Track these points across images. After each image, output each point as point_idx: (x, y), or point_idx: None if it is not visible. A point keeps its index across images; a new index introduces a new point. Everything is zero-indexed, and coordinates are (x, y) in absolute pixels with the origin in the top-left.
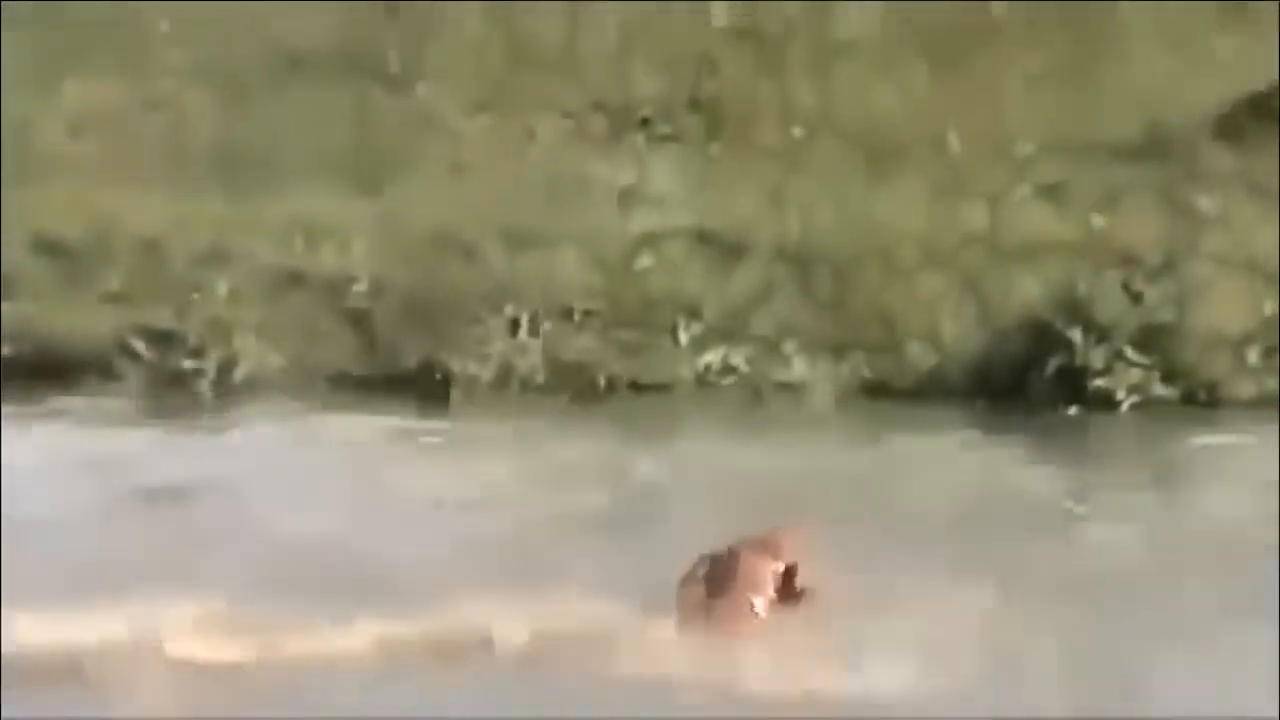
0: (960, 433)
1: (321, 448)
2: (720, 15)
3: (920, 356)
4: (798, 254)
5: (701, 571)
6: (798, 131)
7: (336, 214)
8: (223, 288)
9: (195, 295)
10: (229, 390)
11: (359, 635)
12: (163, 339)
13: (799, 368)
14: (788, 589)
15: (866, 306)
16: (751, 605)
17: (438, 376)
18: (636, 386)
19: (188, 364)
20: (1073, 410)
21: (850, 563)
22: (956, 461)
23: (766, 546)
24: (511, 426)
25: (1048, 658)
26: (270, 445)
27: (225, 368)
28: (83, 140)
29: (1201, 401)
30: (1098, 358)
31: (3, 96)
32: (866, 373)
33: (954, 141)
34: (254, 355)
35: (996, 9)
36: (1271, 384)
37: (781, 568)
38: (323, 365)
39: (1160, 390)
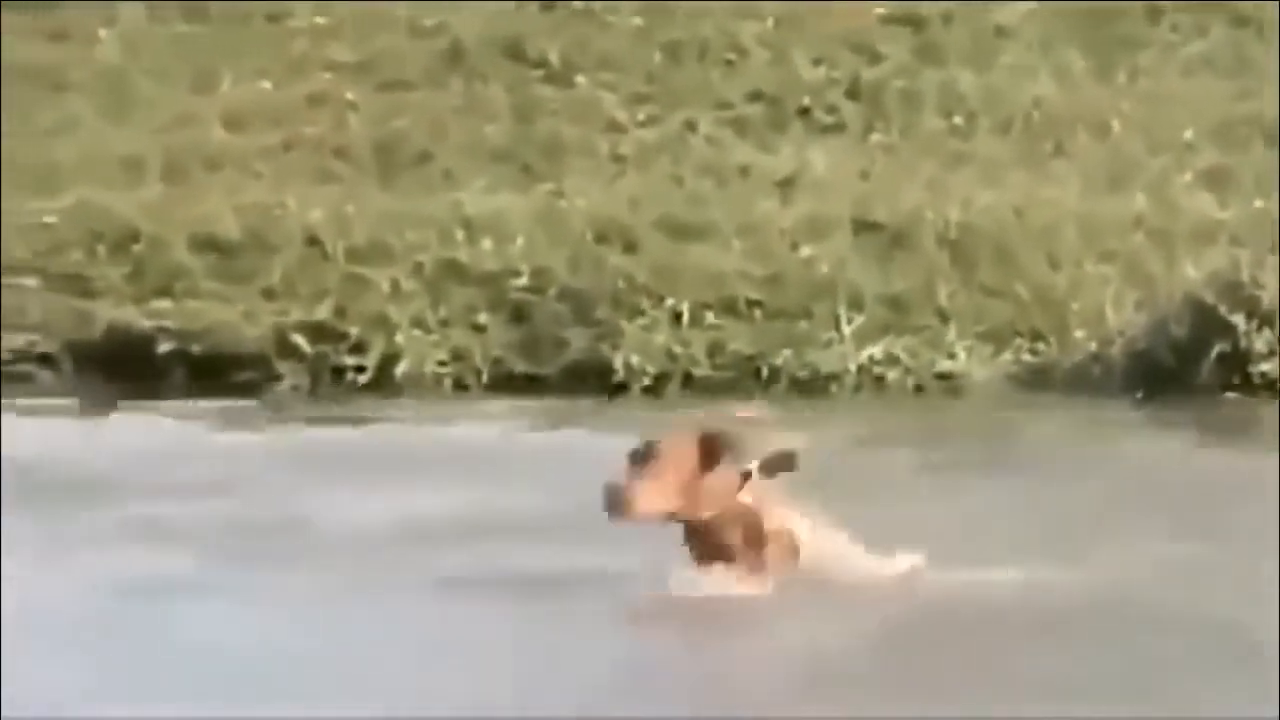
0: (1122, 417)
1: None
2: (880, 4)
3: (1082, 343)
4: (959, 242)
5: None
6: (958, 119)
7: (497, 207)
8: (383, 283)
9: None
10: (391, 386)
11: None
12: (323, 334)
13: (961, 357)
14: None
15: (1029, 294)
16: None
17: (599, 369)
18: (798, 378)
19: (349, 360)
20: (1234, 395)
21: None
22: (1117, 445)
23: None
24: None
25: None
26: None
27: (386, 363)
28: (241, 136)
29: None
30: (1261, 343)
31: (157, 93)
32: (1029, 359)
33: (1116, 127)
34: (415, 351)
35: None
36: None
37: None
38: (484, 359)
39: None
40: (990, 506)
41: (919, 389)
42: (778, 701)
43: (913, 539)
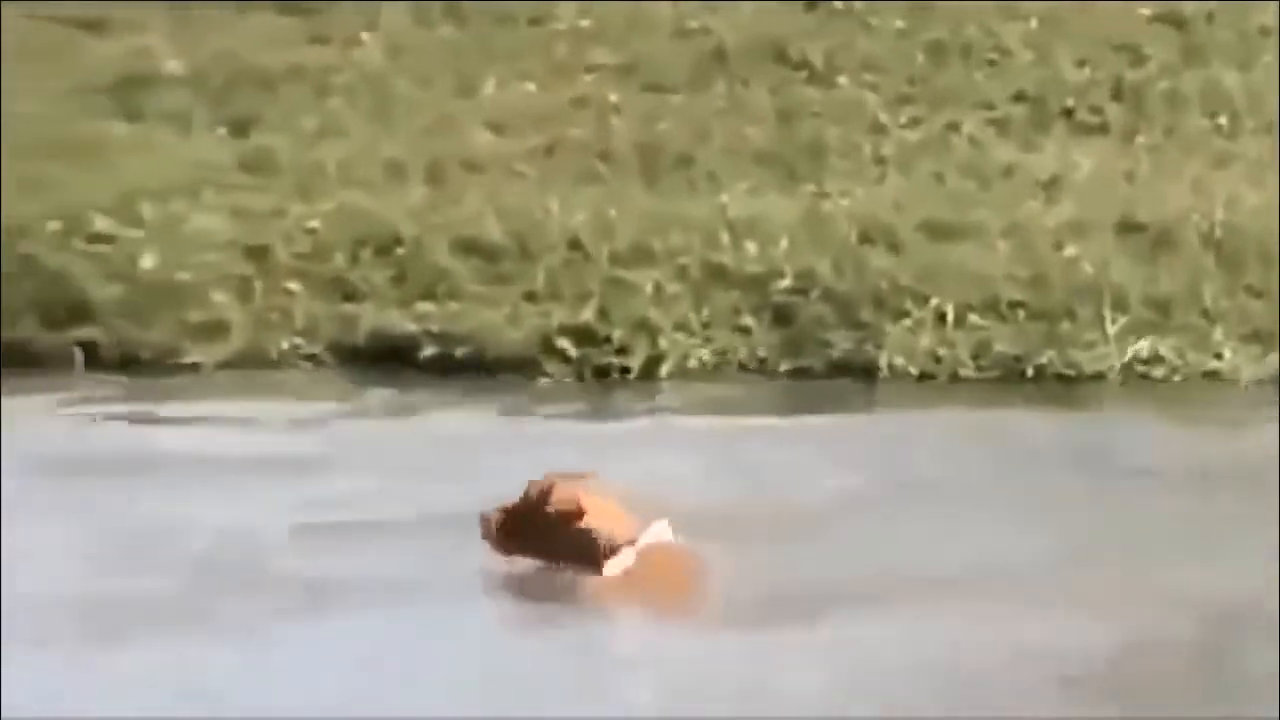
0: None
1: None
2: (1145, 4)
3: None
4: (1224, 242)
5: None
6: (1222, 119)
7: (760, 209)
8: (647, 285)
9: (619, 293)
10: (655, 387)
11: None
12: (587, 337)
13: (1227, 356)
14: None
15: None
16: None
17: (864, 370)
18: (1063, 377)
19: (613, 361)
20: None
21: None
22: None
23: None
24: None
25: None
26: None
27: (650, 365)
28: (504, 139)
29: None
30: None
31: (420, 96)
32: None
33: None
34: (678, 352)
35: None
36: None
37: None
38: (747, 361)
39: None
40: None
41: (1185, 383)
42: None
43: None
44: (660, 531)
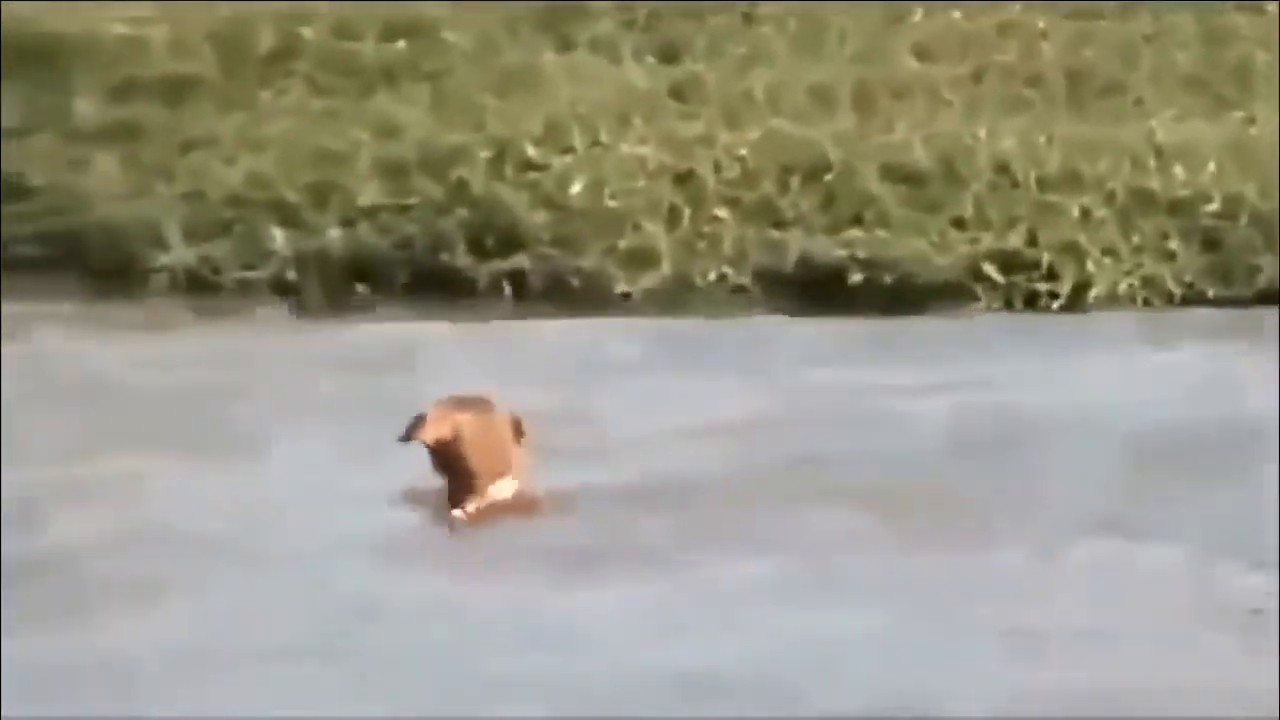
0: None
1: None
2: None
3: None
4: None
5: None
6: None
7: (1188, 134)
8: (1074, 210)
9: (1047, 218)
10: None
11: None
12: (1015, 263)
13: None
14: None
15: None
16: None
17: None
18: None
19: (1041, 287)
20: None
21: None
22: None
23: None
24: None
25: None
26: None
27: (1078, 291)
28: (932, 66)
29: None
30: None
31: (849, 24)
32: None
33: None
34: (1107, 278)
35: None
36: None
37: None
38: (1175, 286)
39: None
40: None
41: None
42: None
43: None
44: (505, 488)
